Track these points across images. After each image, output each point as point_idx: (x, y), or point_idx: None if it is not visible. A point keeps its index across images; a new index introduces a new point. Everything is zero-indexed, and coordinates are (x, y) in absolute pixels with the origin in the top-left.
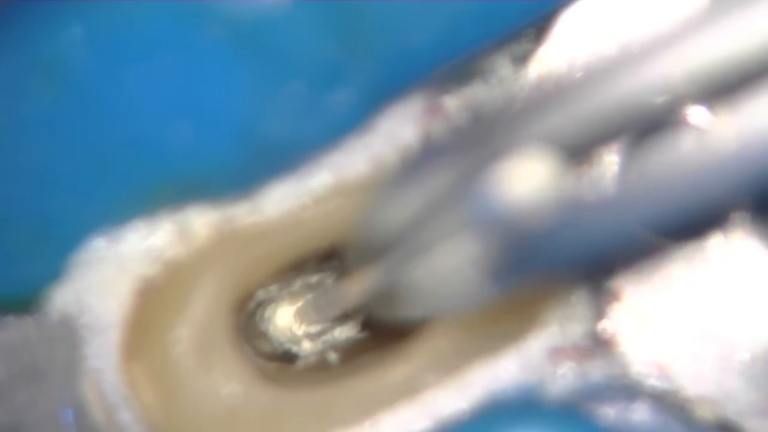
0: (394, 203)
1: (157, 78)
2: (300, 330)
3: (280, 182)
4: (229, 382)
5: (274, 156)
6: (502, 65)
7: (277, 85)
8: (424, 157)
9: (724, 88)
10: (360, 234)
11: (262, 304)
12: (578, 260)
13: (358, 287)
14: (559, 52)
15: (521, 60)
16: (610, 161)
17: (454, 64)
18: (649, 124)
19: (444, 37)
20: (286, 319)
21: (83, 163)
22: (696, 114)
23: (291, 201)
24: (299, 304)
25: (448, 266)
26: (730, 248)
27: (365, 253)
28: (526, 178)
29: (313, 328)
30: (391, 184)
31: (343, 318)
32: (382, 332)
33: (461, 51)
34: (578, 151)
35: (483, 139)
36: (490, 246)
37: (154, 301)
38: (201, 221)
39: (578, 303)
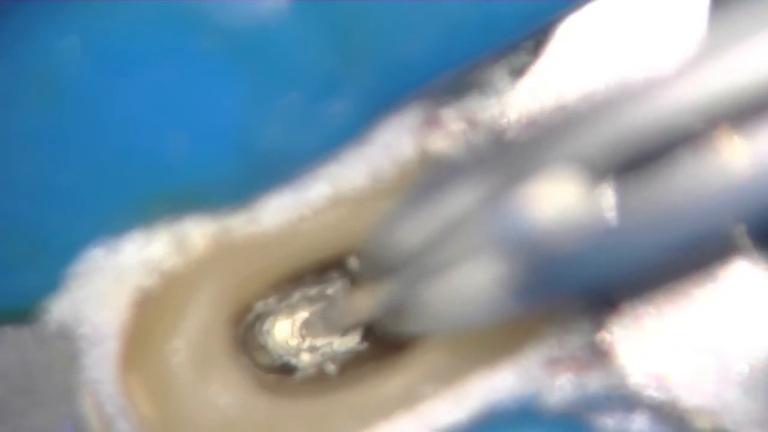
0: (411, 219)
1: (152, 88)
2: (299, 342)
3: (277, 193)
4: (226, 393)
5: (272, 167)
6: (500, 78)
7: (273, 96)
8: (444, 174)
9: (741, 113)
10: (374, 247)
11: (260, 317)
12: (602, 281)
13: (370, 301)
14: (557, 65)
15: (519, 73)
16: (629, 185)
17: (451, 76)
18: (668, 148)
19: (442, 47)
20: (284, 332)
21: (79, 173)
22: (714, 139)
23: (289, 212)
24: (306, 316)
25: (470, 284)
26: (730, 262)
27: (379, 266)
28: (554, 199)
29: (317, 341)
30: (409, 199)
31: (353, 330)
32: (381, 344)
33: (459, 62)
34: (603, 173)
35: (509, 159)
36: (514, 266)
37: (152, 312)
38: (198, 232)
39: (576, 314)
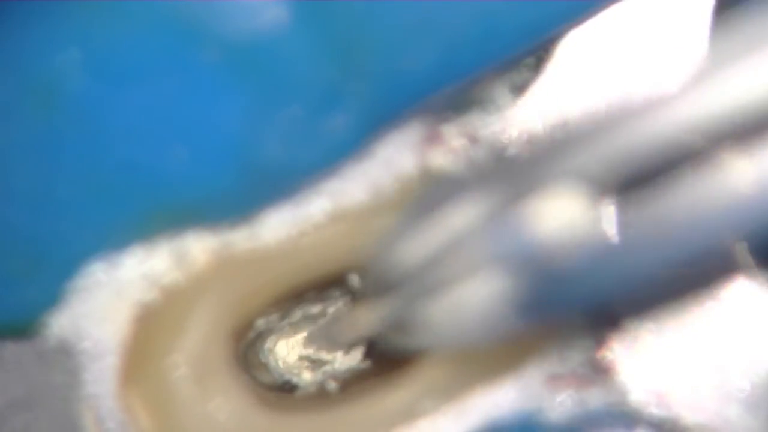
0: (414, 234)
1: (152, 101)
2: (300, 361)
3: (277, 208)
4: (226, 408)
5: (272, 181)
6: (501, 94)
7: (274, 109)
8: (446, 190)
9: (744, 130)
10: (377, 262)
11: (262, 335)
12: (604, 298)
13: (372, 316)
14: (559, 81)
15: (520, 89)
16: (632, 201)
17: (453, 91)
18: (671, 165)
19: (443, 62)
20: (286, 351)
21: (79, 186)
22: (718, 156)
23: (289, 227)
24: (308, 331)
25: (472, 300)
26: (731, 278)
27: (382, 282)
28: (556, 216)
29: (319, 359)
30: (411, 214)
31: (358, 345)
32: (383, 360)
33: (460, 77)
34: (605, 190)
35: (511, 176)
36: (516, 282)
37: (152, 327)
38: (199, 247)
39: (578, 331)
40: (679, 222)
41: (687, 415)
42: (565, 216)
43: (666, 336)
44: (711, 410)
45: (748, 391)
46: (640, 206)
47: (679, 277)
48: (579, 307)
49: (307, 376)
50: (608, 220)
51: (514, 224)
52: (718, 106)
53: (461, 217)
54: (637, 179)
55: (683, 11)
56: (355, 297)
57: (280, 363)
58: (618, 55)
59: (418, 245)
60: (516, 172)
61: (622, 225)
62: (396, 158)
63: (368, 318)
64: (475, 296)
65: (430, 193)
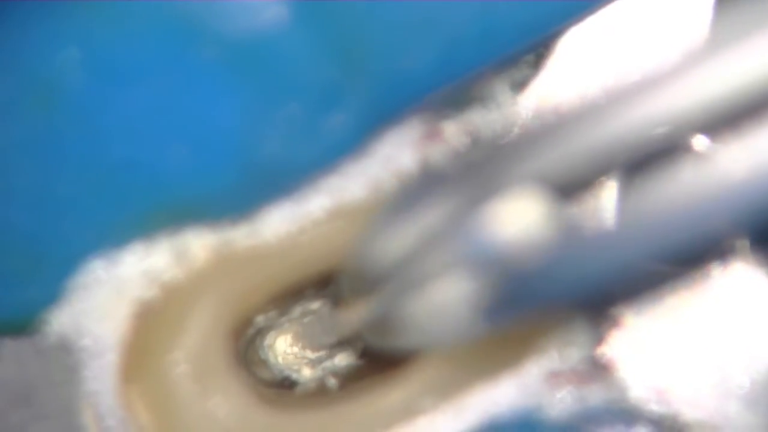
0: (388, 234)
1: (152, 99)
2: (300, 357)
3: (277, 206)
4: (226, 405)
5: (272, 178)
6: (500, 91)
7: (274, 107)
8: (419, 189)
9: (732, 117)
10: (354, 263)
11: (261, 331)
12: (577, 295)
13: (353, 316)
14: (559, 78)
15: (520, 86)
16: (612, 192)
17: (452, 89)
18: (651, 154)
19: (442, 60)
20: (286, 347)
21: (80, 185)
22: (701, 143)
23: (289, 224)
24: (297, 330)
25: (442, 301)
26: (730, 274)
27: (359, 282)
28: (517, 219)
29: (313, 355)
30: (385, 214)
31: (343, 345)
32: (382, 358)
33: (460, 75)
34: (578, 184)
35: (477, 177)
36: (483, 283)
37: (152, 324)
38: (199, 244)
39: (577, 328)
40: (659, 211)
41: (687, 411)
42: (525, 218)
43: (666, 333)
44: (711, 407)
45: (748, 387)
46: (632, 196)
47: (652, 269)
48: (548, 306)
49: (306, 373)
50: (578, 216)
51: (475, 227)
52: (708, 92)
53: (433, 216)
54: (628, 169)
55: (685, 5)
56: (337, 298)
57: (280, 359)
58: (619, 49)
59: (394, 245)
60: (478, 174)
61: (596, 218)
62: (395, 156)
63: (349, 318)
64: (445, 298)
65: (405, 192)
